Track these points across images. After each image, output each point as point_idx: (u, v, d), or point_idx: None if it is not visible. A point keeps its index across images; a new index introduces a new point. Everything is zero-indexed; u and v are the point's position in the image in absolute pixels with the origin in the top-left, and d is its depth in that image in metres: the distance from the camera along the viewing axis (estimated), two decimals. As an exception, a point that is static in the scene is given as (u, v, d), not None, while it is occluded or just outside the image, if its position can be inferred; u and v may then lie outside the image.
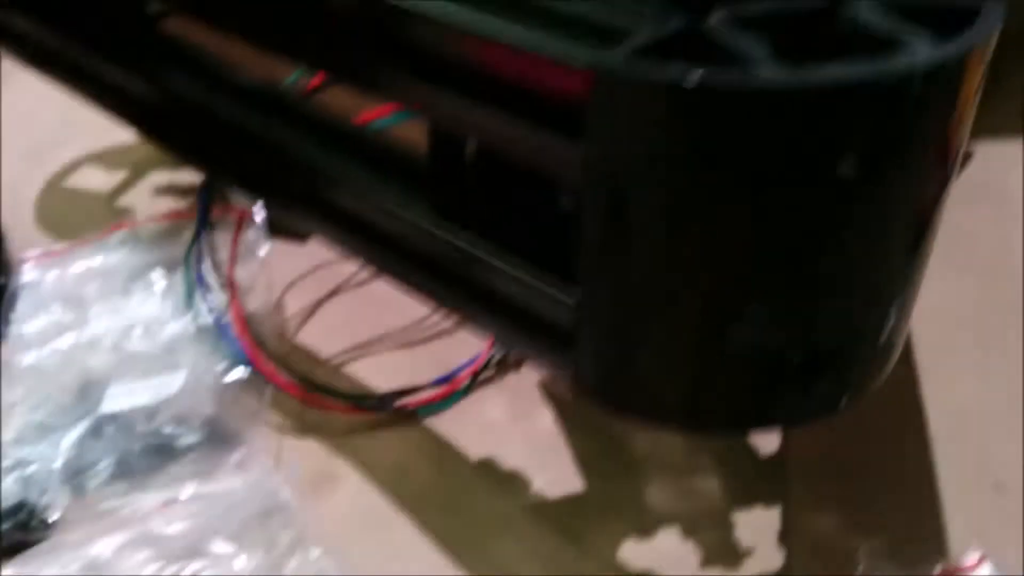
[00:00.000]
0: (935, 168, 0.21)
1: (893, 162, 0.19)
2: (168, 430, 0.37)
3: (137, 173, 0.59)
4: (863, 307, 0.23)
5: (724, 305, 0.22)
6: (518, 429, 0.41)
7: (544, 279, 0.25)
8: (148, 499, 0.36)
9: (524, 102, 0.23)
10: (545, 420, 0.41)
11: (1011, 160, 0.60)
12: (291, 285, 0.50)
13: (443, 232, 0.28)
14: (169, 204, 0.53)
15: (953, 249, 0.52)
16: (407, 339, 0.46)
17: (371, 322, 0.46)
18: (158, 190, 0.56)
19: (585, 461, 0.40)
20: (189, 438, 0.37)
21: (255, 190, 0.33)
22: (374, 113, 0.32)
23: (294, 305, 0.49)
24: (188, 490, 0.36)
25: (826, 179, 0.19)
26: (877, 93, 0.18)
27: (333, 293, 0.49)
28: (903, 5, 0.21)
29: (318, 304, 0.49)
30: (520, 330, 0.27)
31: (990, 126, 0.48)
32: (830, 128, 0.19)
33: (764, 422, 0.26)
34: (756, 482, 0.39)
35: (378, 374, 0.44)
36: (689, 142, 0.19)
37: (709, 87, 0.18)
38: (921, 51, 0.19)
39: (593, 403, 0.25)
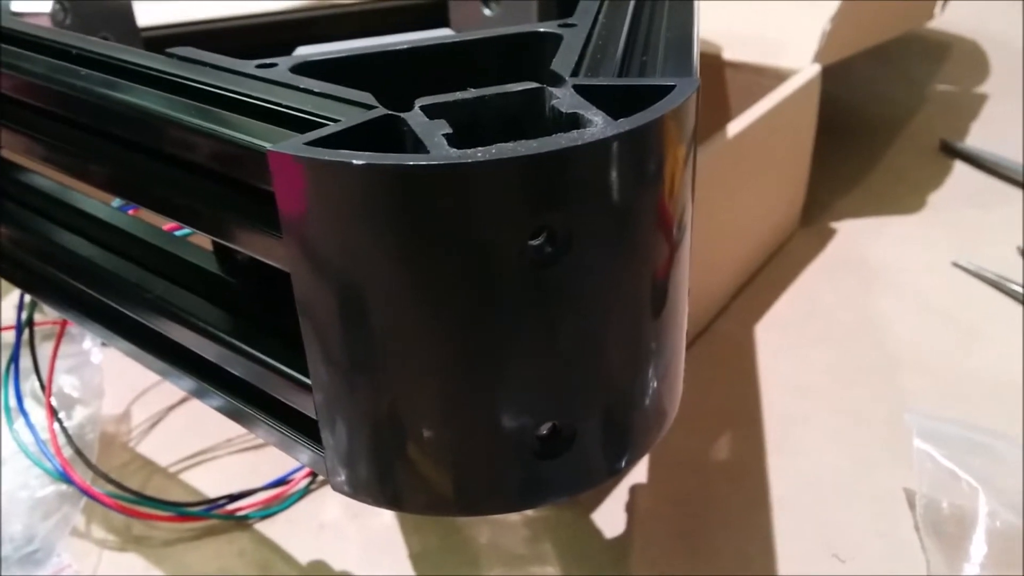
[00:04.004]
0: (632, 237, 0.21)
1: (569, 233, 0.20)
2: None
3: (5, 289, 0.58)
4: (599, 378, 0.23)
5: (446, 391, 0.21)
6: (354, 528, 0.40)
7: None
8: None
9: (239, 193, 0.23)
10: (384, 517, 0.40)
11: (873, 234, 0.62)
12: (142, 393, 0.49)
13: (217, 332, 0.27)
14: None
15: (811, 321, 0.53)
16: (253, 443, 0.45)
17: (217, 427, 0.46)
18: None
19: (424, 557, 0.39)
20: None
21: (50, 301, 0.33)
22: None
23: (142, 413, 0.48)
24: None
25: (500, 252, 0.19)
26: (526, 169, 0.19)
27: (184, 400, 0.49)
28: (591, 89, 0.22)
29: (167, 411, 0.48)
30: (284, 429, 0.26)
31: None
32: (490, 202, 0.19)
33: (537, 499, 0.25)
34: (602, 566, 0.38)
35: (217, 479, 0.43)
36: (374, 225, 0.19)
37: (370, 168, 0.18)
38: (589, 132, 0.20)
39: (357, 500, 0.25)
